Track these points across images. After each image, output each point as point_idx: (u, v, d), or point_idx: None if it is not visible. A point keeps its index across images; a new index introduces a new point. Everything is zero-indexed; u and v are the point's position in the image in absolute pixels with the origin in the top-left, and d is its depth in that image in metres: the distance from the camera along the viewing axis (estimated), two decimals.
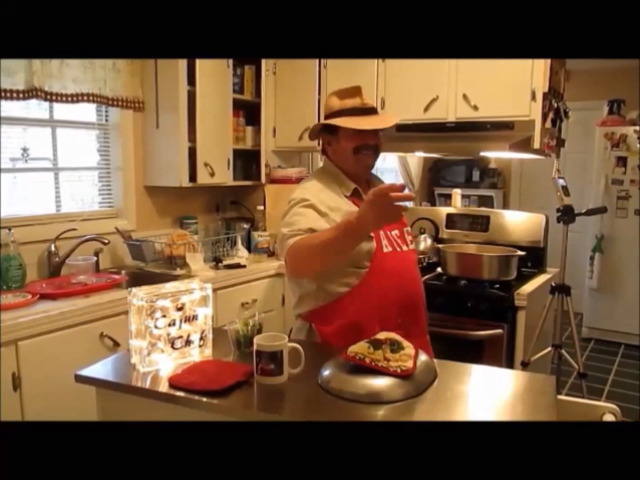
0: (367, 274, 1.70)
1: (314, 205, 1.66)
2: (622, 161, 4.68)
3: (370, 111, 1.77)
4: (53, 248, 2.55)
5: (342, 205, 1.72)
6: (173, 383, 1.38)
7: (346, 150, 1.76)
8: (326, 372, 1.38)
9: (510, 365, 2.48)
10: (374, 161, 1.82)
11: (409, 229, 1.88)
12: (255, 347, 1.38)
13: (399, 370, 1.32)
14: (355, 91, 1.78)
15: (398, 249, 1.77)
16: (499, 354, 2.44)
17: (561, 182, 2.92)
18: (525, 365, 2.57)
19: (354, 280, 1.71)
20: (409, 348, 1.41)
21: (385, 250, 1.73)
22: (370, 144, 1.75)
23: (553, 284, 2.92)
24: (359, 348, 1.38)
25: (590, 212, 3.26)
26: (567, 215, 2.84)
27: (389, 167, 5.37)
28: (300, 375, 1.40)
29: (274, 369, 1.37)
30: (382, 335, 1.44)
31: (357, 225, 1.41)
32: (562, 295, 2.80)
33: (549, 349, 2.91)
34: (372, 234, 1.68)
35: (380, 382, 1.30)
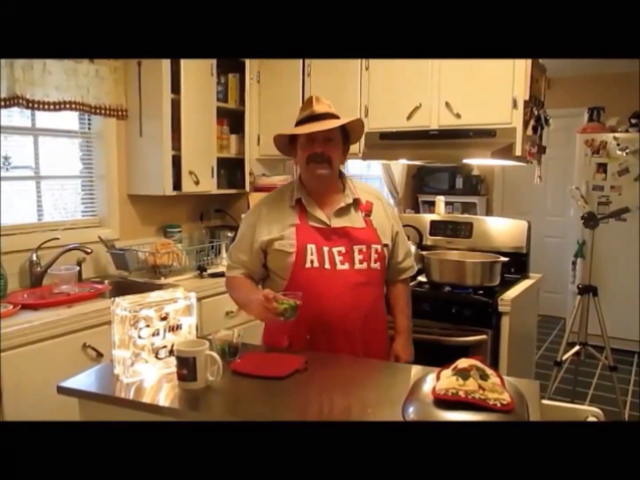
0: (286, 287, 1.76)
1: (252, 222, 1.86)
2: (602, 167, 4.74)
3: (320, 117, 1.75)
4: (35, 257, 2.51)
5: (284, 216, 1.80)
6: (237, 369, 1.53)
7: (302, 160, 1.80)
8: (412, 409, 1.26)
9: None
10: (327, 172, 1.78)
11: (363, 247, 1.77)
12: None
13: (498, 405, 1.21)
14: (309, 101, 1.80)
15: (328, 266, 1.74)
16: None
17: (578, 191, 3.29)
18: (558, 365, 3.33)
19: (278, 289, 1.77)
20: (493, 376, 1.31)
21: (307, 265, 1.74)
22: (317, 152, 1.75)
23: (580, 285, 3.37)
24: (447, 383, 1.27)
25: (613, 214, 3.42)
26: (591, 220, 3.06)
27: (374, 175, 5.40)
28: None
29: (186, 374, 1.41)
30: (464, 363, 1.34)
31: (252, 308, 1.73)
32: (588, 296, 3.28)
33: (577, 347, 3.39)
34: (294, 249, 1.75)
35: (480, 419, 1.19)
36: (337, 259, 1.75)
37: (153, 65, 2.82)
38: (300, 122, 1.79)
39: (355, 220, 1.82)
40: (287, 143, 1.87)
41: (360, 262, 1.77)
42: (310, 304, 1.69)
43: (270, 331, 1.87)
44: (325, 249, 1.75)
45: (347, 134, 1.85)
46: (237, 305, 1.95)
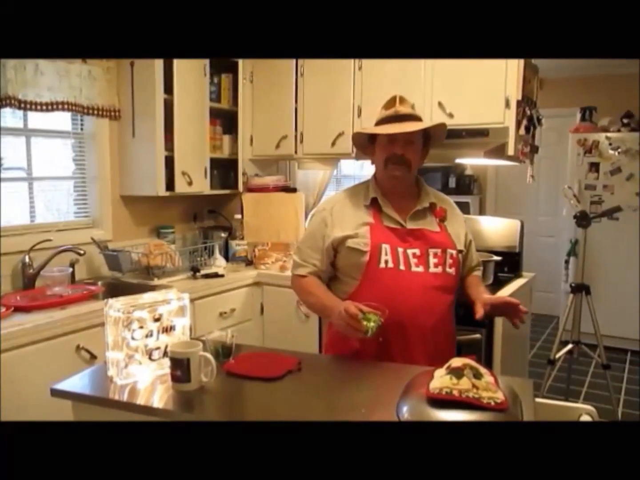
0: (358, 286, 1.73)
1: (324, 218, 1.82)
2: (594, 167, 4.77)
3: (404, 118, 1.74)
4: (27, 259, 2.50)
5: (358, 215, 1.78)
6: (230, 370, 1.53)
7: (380, 161, 1.79)
8: (406, 409, 1.26)
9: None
10: (405, 174, 1.76)
11: (438, 251, 1.74)
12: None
13: (492, 403, 1.21)
14: (392, 100, 1.80)
15: (403, 268, 1.70)
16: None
17: (571, 191, 3.29)
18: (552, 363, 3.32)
19: (349, 289, 1.76)
20: (487, 375, 1.31)
21: (381, 265, 1.70)
22: (397, 154, 1.73)
23: (573, 284, 3.35)
24: (441, 382, 1.27)
25: (606, 213, 3.43)
26: (584, 219, 3.06)
27: (367, 175, 5.40)
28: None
29: (180, 375, 1.41)
30: (457, 362, 1.34)
31: (329, 316, 1.68)
32: (581, 294, 3.28)
33: (570, 345, 3.39)
34: (368, 248, 1.71)
35: (474, 418, 1.19)
36: (412, 261, 1.71)
37: (146, 65, 2.81)
38: (381, 122, 1.77)
39: (430, 224, 1.79)
40: (366, 141, 1.85)
41: (435, 265, 1.73)
42: (383, 304, 1.62)
43: (338, 334, 1.74)
44: (400, 250, 1.71)
45: (428, 136, 1.82)
46: (308, 308, 1.88)
